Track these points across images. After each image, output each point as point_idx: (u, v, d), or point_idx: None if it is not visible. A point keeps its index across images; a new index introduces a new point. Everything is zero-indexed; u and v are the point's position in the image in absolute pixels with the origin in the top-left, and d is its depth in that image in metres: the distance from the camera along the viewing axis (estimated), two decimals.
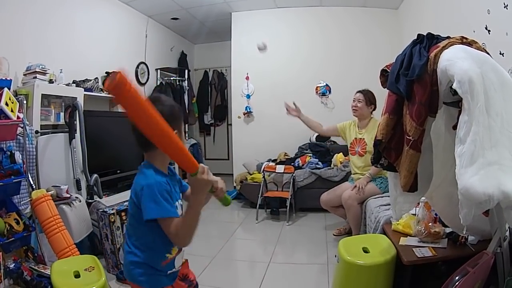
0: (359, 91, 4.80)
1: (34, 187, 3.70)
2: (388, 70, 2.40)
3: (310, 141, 7.15)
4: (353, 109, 4.78)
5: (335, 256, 3.16)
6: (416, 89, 2.08)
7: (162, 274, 1.92)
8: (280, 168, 6.11)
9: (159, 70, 8.21)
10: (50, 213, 3.44)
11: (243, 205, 6.74)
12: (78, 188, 4.54)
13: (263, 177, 6.13)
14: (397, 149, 2.33)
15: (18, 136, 3.76)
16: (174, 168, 2.10)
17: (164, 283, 1.93)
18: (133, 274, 1.85)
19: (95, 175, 4.66)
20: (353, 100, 4.81)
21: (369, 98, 4.66)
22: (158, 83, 8.13)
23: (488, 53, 2.08)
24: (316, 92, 7.50)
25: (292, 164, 6.51)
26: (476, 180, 1.74)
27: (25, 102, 3.88)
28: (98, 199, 4.60)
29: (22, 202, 3.70)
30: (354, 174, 4.84)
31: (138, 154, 6.29)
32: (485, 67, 1.87)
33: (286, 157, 7.10)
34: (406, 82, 2.11)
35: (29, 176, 3.69)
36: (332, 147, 6.83)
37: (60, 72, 4.84)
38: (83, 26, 5.76)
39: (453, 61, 1.90)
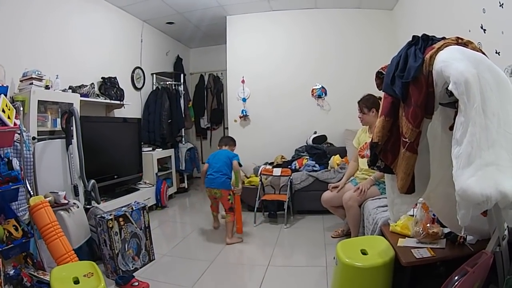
0: (358, 101, 4.74)
1: (32, 193, 3.70)
2: (384, 72, 2.39)
3: (307, 143, 7.14)
4: (360, 121, 4.74)
5: (334, 258, 3.15)
6: (412, 91, 2.07)
7: None
8: (277, 171, 6.11)
9: (154, 75, 8.25)
10: (48, 219, 3.45)
11: (241, 208, 6.73)
12: (76, 194, 4.54)
13: (260, 180, 6.14)
14: (393, 151, 2.32)
15: (15, 143, 3.76)
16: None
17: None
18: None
19: (93, 181, 4.66)
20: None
21: (365, 105, 4.58)
22: (154, 88, 8.15)
23: (484, 53, 2.08)
24: (312, 94, 7.50)
25: (289, 167, 6.51)
26: (473, 181, 1.74)
27: (21, 108, 3.87)
28: (96, 204, 4.60)
29: (20, 209, 3.70)
30: (359, 173, 4.83)
31: (134, 159, 6.38)
32: (481, 67, 1.87)
33: (283, 160, 7.09)
34: (402, 84, 2.10)
35: (27, 183, 3.69)
36: (329, 149, 6.80)
37: (56, 78, 4.84)
38: (78, 31, 5.78)
39: (448, 62, 1.90)
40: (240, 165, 5.40)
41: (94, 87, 5.75)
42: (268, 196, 6.02)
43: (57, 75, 4.87)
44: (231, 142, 5.72)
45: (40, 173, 4.20)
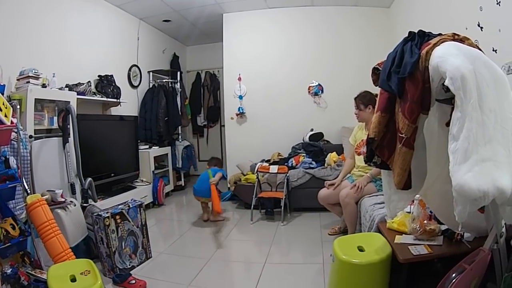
0: (354, 98, 4.74)
1: (29, 192, 3.69)
2: (380, 68, 2.39)
3: (304, 140, 7.16)
4: (356, 117, 4.73)
5: (330, 255, 3.15)
6: (408, 87, 2.07)
7: None
8: (273, 169, 6.12)
9: (151, 73, 8.23)
10: (45, 217, 3.44)
11: (238, 206, 6.74)
12: (73, 192, 4.54)
13: (257, 177, 6.14)
14: (390, 147, 2.31)
15: (12, 141, 3.74)
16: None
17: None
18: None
19: (89, 179, 4.65)
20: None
21: (362, 101, 4.56)
22: (151, 86, 8.13)
23: (480, 50, 2.08)
24: (309, 91, 7.51)
25: (286, 164, 6.52)
26: (470, 176, 1.73)
27: (18, 107, 3.87)
28: (92, 202, 4.60)
29: (17, 207, 3.69)
30: (356, 171, 4.83)
31: (131, 157, 6.38)
32: (478, 63, 1.86)
33: (280, 157, 7.10)
34: (398, 79, 2.09)
35: (24, 181, 3.68)
36: (325, 147, 6.81)
37: (53, 76, 4.84)
38: (75, 30, 5.77)
39: (445, 58, 1.89)
40: (223, 176, 6.09)
41: (90, 85, 5.73)
42: (265, 194, 6.02)
43: (54, 74, 4.87)
44: (219, 163, 6.50)
45: (37, 172, 4.20)
